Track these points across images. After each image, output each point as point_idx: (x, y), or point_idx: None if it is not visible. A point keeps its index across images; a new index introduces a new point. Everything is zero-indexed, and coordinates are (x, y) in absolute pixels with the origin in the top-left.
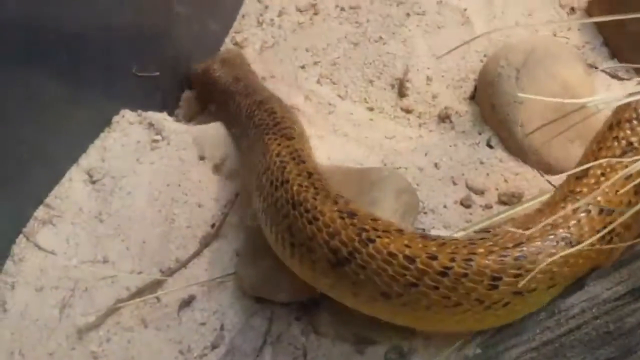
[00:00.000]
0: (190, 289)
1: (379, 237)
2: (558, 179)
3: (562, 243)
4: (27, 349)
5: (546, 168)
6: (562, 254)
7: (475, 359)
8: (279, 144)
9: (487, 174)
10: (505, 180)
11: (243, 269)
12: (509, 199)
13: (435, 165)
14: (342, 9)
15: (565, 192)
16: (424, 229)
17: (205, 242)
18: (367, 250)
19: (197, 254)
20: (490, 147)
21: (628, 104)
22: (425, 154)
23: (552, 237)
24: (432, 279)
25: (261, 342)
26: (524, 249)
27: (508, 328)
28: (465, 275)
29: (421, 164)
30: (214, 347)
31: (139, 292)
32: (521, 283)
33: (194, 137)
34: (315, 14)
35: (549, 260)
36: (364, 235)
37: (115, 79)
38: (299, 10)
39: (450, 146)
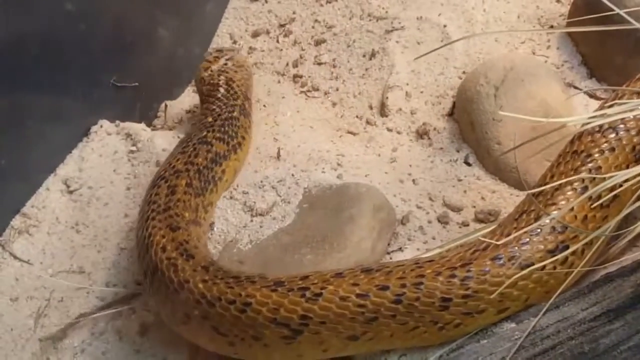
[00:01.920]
0: None
1: (322, 288)
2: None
3: (510, 264)
4: (1, 358)
5: (524, 187)
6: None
7: None
8: (163, 236)
9: (465, 192)
10: (483, 198)
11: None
12: (486, 217)
13: (413, 181)
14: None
15: (519, 210)
16: (400, 247)
17: None
18: (319, 305)
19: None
20: (468, 164)
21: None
22: (403, 170)
23: (501, 257)
24: (388, 309)
25: None
26: (472, 269)
27: (484, 347)
28: (418, 298)
29: (399, 180)
30: None
31: (114, 303)
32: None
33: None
34: (286, 35)
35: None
36: (307, 293)
37: (94, 89)
38: (274, 30)
39: (428, 163)
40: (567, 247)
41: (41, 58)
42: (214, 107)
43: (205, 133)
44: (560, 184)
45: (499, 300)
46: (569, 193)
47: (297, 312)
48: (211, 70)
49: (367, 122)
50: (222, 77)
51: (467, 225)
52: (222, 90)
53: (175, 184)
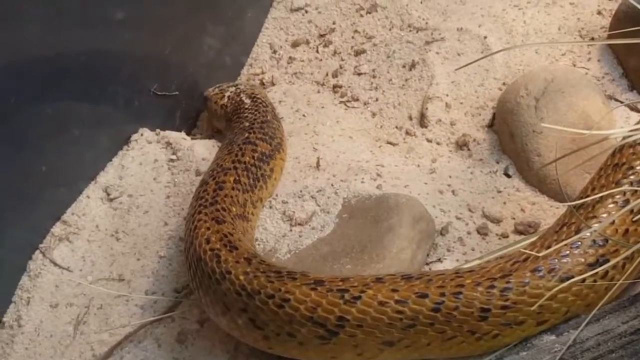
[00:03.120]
0: (205, 310)
1: (362, 292)
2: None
3: (550, 276)
4: None
5: (564, 199)
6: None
7: None
8: (208, 228)
9: (504, 203)
10: (522, 210)
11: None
12: (525, 229)
13: (453, 192)
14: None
15: (560, 222)
16: (439, 258)
17: None
18: (357, 308)
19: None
20: (508, 176)
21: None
22: (442, 181)
23: (540, 269)
24: (427, 317)
25: None
26: (511, 280)
27: (522, 359)
28: (457, 308)
29: (438, 190)
30: None
31: (154, 313)
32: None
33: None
34: (326, 45)
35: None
36: (346, 296)
37: (134, 97)
38: (314, 40)
39: (468, 174)
40: (607, 261)
41: (86, 66)
42: (247, 114)
43: (247, 135)
44: (602, 197)
45: (538, 312)
46: (610, 206)
47: (334, 313)
48: (227, 96)
49: (407, 133)
50: (242, 94)
51: (507, 236)
52: (248, 101)
53: (223, 180)
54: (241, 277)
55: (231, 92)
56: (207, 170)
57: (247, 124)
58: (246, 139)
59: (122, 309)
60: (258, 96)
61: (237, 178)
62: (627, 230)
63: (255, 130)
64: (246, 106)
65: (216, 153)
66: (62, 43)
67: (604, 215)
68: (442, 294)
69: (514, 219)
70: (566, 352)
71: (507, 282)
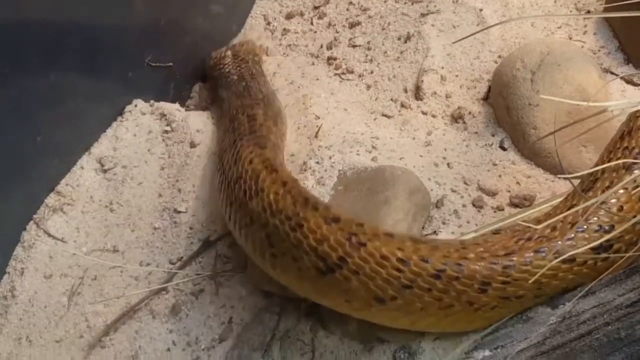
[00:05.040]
0: (200, 282)
1: (369, 240)
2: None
3: (553, 257)
4: (35, 336)
5: (559, 172)
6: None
7: None
8: (251, 152)
9: (500, 176)
10: (518, 183)
11: (253, 263)
12: (521, 202)
13: (448, 165)
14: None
15: (567, 205)
16: (434, 231)
17: (210, 240)
18: (359, 254)
19: (206, 247)
20: (503, 148)
21: None
22: (438, 154)
23: (544, 250)
24: (425, 281)
25: (269, 337)
26: (514, 259)
27: (518, 331)
28: (457, 278)
29: (433, 163)
30: (221, 340)
31: (148, 284)
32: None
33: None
34: (320, 17)
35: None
36: (353, 239)
37: (128, 69)
38: (308, 12)
39: (463, 147)
40: (611, 246)
41: (80, 38)
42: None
43: (245, 81)
44: (612, 181)
45: (537, 288)
46: (620, 192)
47: (337, 251)
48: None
49: (402, 105)
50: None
51: (502, 209)
52: (229, 53)
53: (254, 112)
54: (271, 196)
55: (224, 53)
56: (226, 116)
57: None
58: (250, 81)
59: (116, 280)
60: (239, 53)
61: (265, 110)
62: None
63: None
64: (227, 61)
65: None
66: (56, 15)
67: (613, 200)
68: (445, 263)
69: (509, 191)
70: (562, 324)
71: (510, 260)
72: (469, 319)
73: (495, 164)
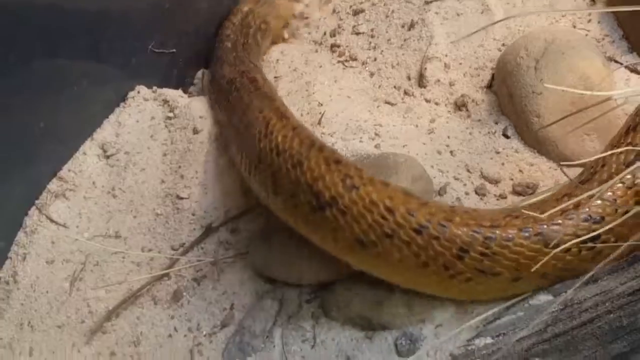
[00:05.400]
0: (201, 268)
1: (363, 184)
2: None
3: (536, 238)
4: (36, 321)
5: (562, 160)
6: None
7: (486, 349)
8: (261, 102)
9: (502, 164)
10: (520, 171)
11: (255, 249)
12: (524, 190)
13: (451, 153)
14: None
15: (564, 192)
16: None
17: (212, 226)
18: (350, 196)
19: (208, 233)
20: (507, 137)
21: None
22: (441, 142)
23: (529, 230)
24: (406, 234)
25: (271, 323)
26: (497, 232)
27: (520, 319)
28: (437, 238)
29: (436, 151)
30: (223, 326)
31: (150, 270)
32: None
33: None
34: (325, 4)
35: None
36: (348, 181)
37: (131, 55)
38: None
39: (466, 134)
40: (598, 237)
41: (83, 23)
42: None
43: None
44: (609, 176)
45: (515, 269)
46: (617, 186)
47: (330, 190)
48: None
49: (405, 93)
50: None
51: (505, 197)
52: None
53: (253, 76)
54: (279, 138)
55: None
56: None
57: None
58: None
59: (118, 266)
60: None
61: (263, 76)
62: (626, 212)
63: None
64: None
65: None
66: (60, 0)
67: (609, 195)
68: (429, 220)
69: (512, 179)
70: (564, 312)
71: (493, 233)
72: (444, 285)
73: (498, 152)
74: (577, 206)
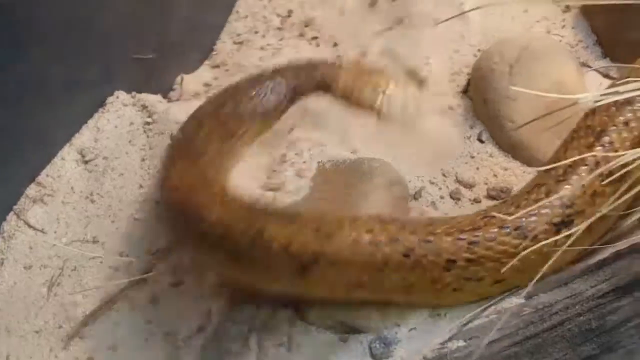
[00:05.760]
0: (179, 273)
1: (337, 229)
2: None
3: (516, 233)
4: (14, 326)
5: (536, 164)
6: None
7: (458, 352)
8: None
9: (477, 168)
10: (495, 175)
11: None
12: (498, 194)
13: (426, 157)
14: None
15: (531, 184)
16: None
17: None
18: (330, 246)
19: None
20: (481, 141)
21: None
22: (417, 146)
23: (508, 226)
24: (396, 261)
25: (247, 328)
26: (479, 234)
27: (492, 322)
28: (425, 255)
29: (412, 156)
30: (199, 330)
31: (128, 275)
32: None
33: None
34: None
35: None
36: (319, 233)
37: (111, 60)
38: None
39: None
40: (572, 222)
41: (62, 27)
42: None
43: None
44: (574, 161)
45: (498, 270)
46: (581, 168)
47: (308, 248)
48: None
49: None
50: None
51: (479, 202)
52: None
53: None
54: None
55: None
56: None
57: None
58: None
59: (96, 271)
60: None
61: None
62: (594, 192)
63: None
64: None
65: None
66: (38, 3)
67: (575, 177)
68: (413, 240)
69: (486, 184)
70: (535, 315)
71: (475, 236)
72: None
73: (473, 157)
74: (547, 193)
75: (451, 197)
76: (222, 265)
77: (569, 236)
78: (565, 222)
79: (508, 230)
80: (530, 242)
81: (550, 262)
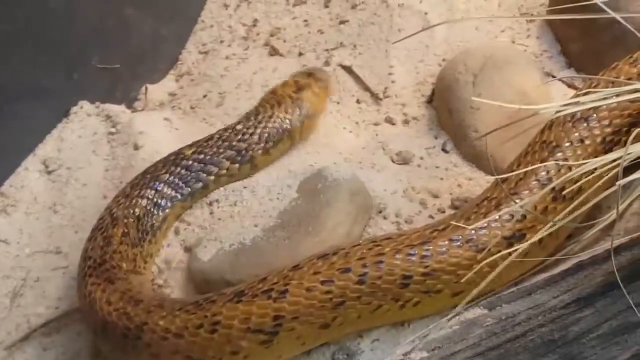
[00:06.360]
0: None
1: (286, 285)
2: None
3: (467, 245)
4: None
5: (500, 174)
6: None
7: None
8: (103, 291)
9: (441, 179)
10: (459, 185)
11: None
12: (462, 204)
13: (391, 167)
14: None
15: (483, 196)
16: (375, 233)
17: None
18: (288, 301)
19: None
20: (446, 151)
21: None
22: (382, 156)
23: (458, 239)
24: (353, 291)
25: None
26: (430, 247)
27: (455, 333)
28: (380, 277)
29: (378, 165)
30: None
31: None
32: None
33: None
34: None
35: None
36: (273, 294)
37: (75, 70)
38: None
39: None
40: (523, 236)
41: (26, 37)
42: None
43: None
44: (525, 173)
45: (455, 282)
46: (533, 183)
47: (268, 314)
48: None
49: (347, 108)
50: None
51: (444, 211)
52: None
53: (111, 233)
54: (161, 323)
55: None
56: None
57: None
58: None
59: (59, 282)
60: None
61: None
62: (546, 208)
63: None
64: None
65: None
66: (1, 12)
67: (526, 192)
68: (364, 265)
69: (451, 194)
70: (497, 325)
71: (426, 250)
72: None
73: (437, 167)
74: (499, 206)
75: (416, 207)
76: None
77: (519, 249)
78: (517, 236)
79: (459, 243)
80: (485, 255)
81: (493, 274)
